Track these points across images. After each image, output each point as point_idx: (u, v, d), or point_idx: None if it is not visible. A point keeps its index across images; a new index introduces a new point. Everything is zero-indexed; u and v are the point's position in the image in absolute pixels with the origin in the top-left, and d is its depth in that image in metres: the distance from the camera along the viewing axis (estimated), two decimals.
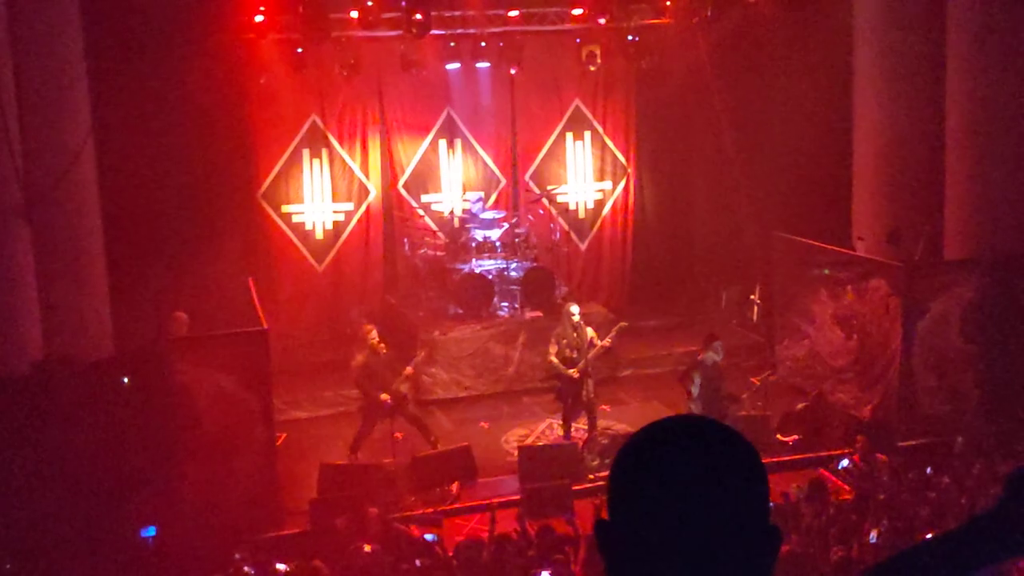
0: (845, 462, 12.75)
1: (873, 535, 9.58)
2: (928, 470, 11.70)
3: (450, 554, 10.79)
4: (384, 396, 13.68)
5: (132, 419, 12.05)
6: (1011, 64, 14.28)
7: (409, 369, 14.19)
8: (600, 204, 19.75)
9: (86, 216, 13.59)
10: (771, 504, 10.36)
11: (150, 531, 11.88)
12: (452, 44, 17.80)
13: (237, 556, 10.59)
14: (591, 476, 13.45)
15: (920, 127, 15.61)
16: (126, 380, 12.58)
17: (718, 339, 13.91)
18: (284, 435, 14.21)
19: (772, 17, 16.89)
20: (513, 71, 18.34)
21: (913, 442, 13.35)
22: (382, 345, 13.93)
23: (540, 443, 14.60)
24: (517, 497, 12.85)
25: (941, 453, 12.68)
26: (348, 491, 12.43)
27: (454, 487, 13.31)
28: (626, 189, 19.81)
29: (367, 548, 10.64)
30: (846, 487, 12.46)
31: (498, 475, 13.75)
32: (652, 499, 1.84)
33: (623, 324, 14.72)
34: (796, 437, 14.18)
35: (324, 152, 18.19)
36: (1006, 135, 14.44)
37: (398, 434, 14.06)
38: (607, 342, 14.13)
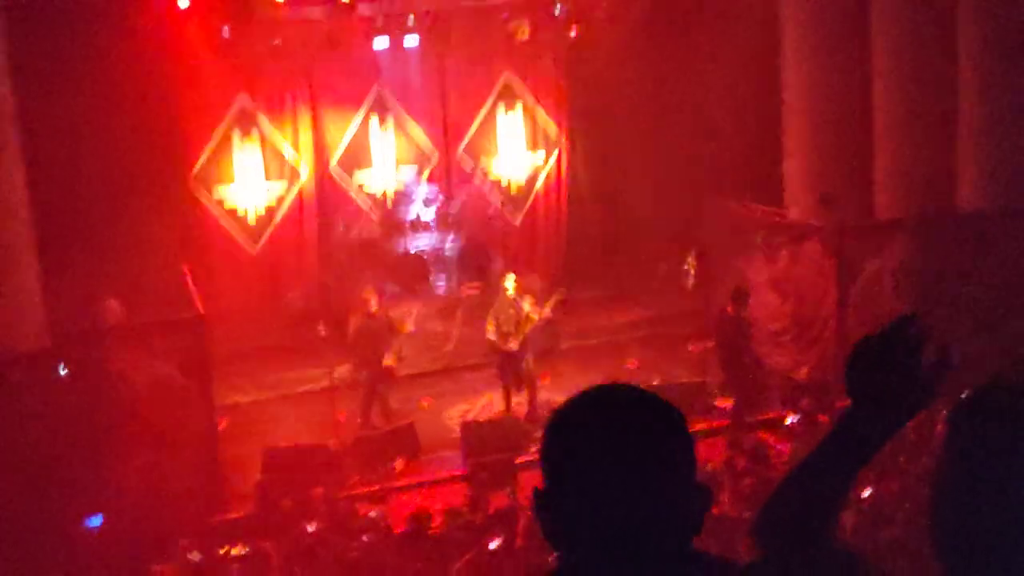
0: (790, 420, 12.84)
1: None
2: None
3: (397, 530, 10.81)
4: (387, 360, 13.60)
5: (70, 408, 11.90)
6: (933, 18, 14.46)
7: (409, 326, 14.17)
8: (533, 176, 19.75)
9: (13, 205, 13.33)
10: (712, 469, 10.51)
11: (96, 520, 11.79)
12: (379, 21, 17.68)
13: (182, 543, 10.54)
14: (533, 449, 13.52)
15: (848, 86, 15.76)
16: (63, 370, 12.42)
17: (745, 292, 14.02)
18: (226, 420, 14.10)
19: None
20: (441, 46, 18.26)
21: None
22: (379, 311, 13.96)
23: (482, 418, 14.64)
24: (461, 472, 12.90)
25: None
26: (293, 473, 12.39)
27: (398, 464, 13.32)
28: (559, 160, 19.83)
29: (313, 528, 10.62)
30: (785, 451, 12.61)
31: (442, 451, 13.77)
32: (581, 465, 1.91)
33: (560, 295, 14.79)
34: (732, 402, 14.32)
35: (254, 132, 18.01)
36: (930, 92, 14.63)
37: (340, 414, 14.02)
38: (544, 312, 14.18)
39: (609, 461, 1.91)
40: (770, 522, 2.22)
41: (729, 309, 13.98)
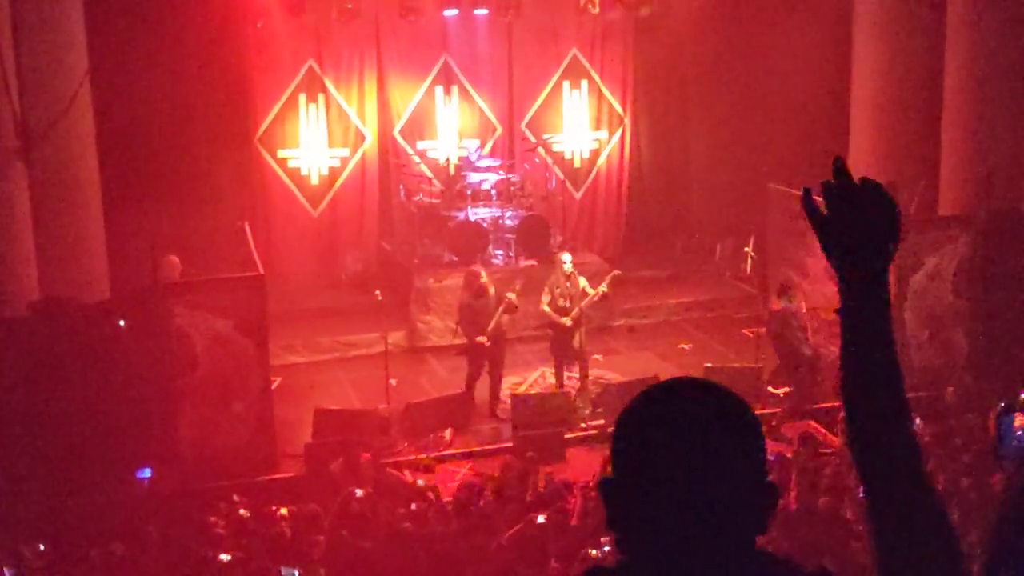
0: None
1: (861, 491, 9.68)
2: (917, 421, 11.78)
3: (443, 500, 10.91)
4: (480, 339, 13.71)
5: (128, 362, 12.12)
6: (1012, 13, 14.26)
7: (512, 297, 14.14)
8: (596, 154, 19.72)
9: (82, 159, 13.59)
10: (771, 458, 10.52)
11: (146, 473, 12.00)
12: None
13: (235, 498, 10.71)
14: (583, 424, 13.58)
15: (919, 80, 15.61)
16: (122, 323, 12.63)
17: (790, 287, 13.95)
18: (279, 379, 14.27)
19: None
20: (511, 17, 18.25)
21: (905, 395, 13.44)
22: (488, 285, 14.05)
23: (533, 391, 14.69)
24: (510, 445, 12.98)
25: (931, 405, 12.77)
26: (342, 436, 12.52)
27: (447, 433, 13.42)
28: (622, 139, 19.78)
29: (360, 492, 10.74)
30: (835, 439, 12.57)
31: (491, 422, 13.86)
32: (654, 458, 1.93)
33: (617, 272, 14.80)
34: (787, 389, 14.27)
35: (320, 97, 18.12)
36: (1004, 90, 14.47)
37: (392, 380, 14.13)
38: (601, 290, 14.18)
39: (680, 456, 1.93)
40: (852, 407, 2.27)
41: (775, 305, 13.94)
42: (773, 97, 18.21)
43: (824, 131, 17.07)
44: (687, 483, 1.91)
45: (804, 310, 14.19)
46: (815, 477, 10.43)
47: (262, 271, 13.07)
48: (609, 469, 2.03)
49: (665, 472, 1.92)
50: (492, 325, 13.81)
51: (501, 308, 13.92)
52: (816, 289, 15.14)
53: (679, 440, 1.93)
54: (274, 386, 13.54)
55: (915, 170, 15.46)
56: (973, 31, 14.52)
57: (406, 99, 18.63)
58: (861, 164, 16.07)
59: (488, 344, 13.76)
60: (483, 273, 14.14)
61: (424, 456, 12.87)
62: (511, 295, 14.00)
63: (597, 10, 18.25)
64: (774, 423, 13.14)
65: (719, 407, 1.98)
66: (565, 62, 19.27)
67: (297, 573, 8.98)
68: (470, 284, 14.04)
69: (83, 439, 11.75)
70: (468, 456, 13.15)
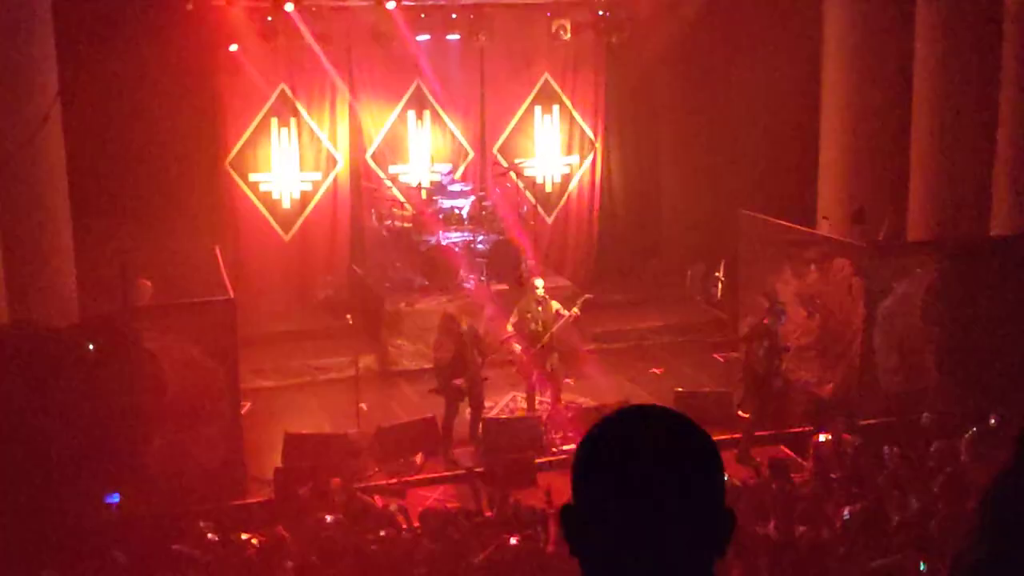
0: (823, 437, 12.74)
1: (846, 512, 9.72)
2: (886, 449, 11.84)
3: (414, 524, 10.88)
4: (457, 381, 13.61)
5: (97, 386, 12.02)
6: (976, 44, 14.44)
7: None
8: (567, 178, 19.81)
9: (53, 181, 13.54)
10: (738, 484, 10.52)
11: (114, 497, 11.90)
12: (422, 15, 17.77)
13: (202, 524, 10.63)
14: (554, 449, 13.57)
15: (887, 106, 15.77)
16: (91, 346, 12.54)
17: (780, 305, 14.01)
18: (249, 404, 14.21)
19: None
20: (483, 42, 18.31)
21: (873, 421, 13.50)
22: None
23: (504, 416, 14.68)
24: (481, 469, 12.95)
25: (901, 431, 12.83)
26: (312, 461, 12.47)
27: (418, 458, 13.38)
28: (593, 164, 19.87)
29: (330, 518, 10.70)
30: (806, 465, 12.61)
31: (462, 446, 13.82)
32: (613, 486, 1.96)
33: (588, 296, 14.83)
34: (751, 413, 14.28)
35: (292, 121, 18.14)
36: (971, 117, 14.63)
37: (363, 404, 14.09)
38: (573, 312, 14.19)
39: (638, 483, 1.95)
40: None
41: (765, 320, 13.97)
42: (743, 123, 18.35)
43: (794, 157, 17.21)
44: (645, 510, 1.94)
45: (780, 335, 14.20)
46: (791, 504, 10.44)
47: (232, 295, 13.02)
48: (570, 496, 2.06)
49: (623, 499, 1.95)
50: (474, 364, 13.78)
51: (481, 359, 13.90)
52: (785, 314, 15.20)
53: (637, 467, 1.96)
54: (244, 410, 13.48)
55: (884, 196, 15.60)
56: (940, 60, 14.70)
57: (378, 123, 18.66)
58: (830, 190, 16.24)
59: (465, 387, 13.69)
60: (462, 320, 14.08)
61: (395, 480, 12.82)
62: (510, 328, 14.05)
63: (569, 36, 18.36)
64: (743, 448, 13.17)
65: (677, 434, 2.01)
66: (537, 87, 19.36)
67: None
68: (445, 327, 13.96)
69: (51, 463, 11.63)
70: (439, 481, 13.10)
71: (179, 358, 12.24)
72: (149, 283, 13.61)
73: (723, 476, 2.02)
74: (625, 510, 1.95)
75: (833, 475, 11.52)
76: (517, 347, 14.20)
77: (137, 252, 14.60)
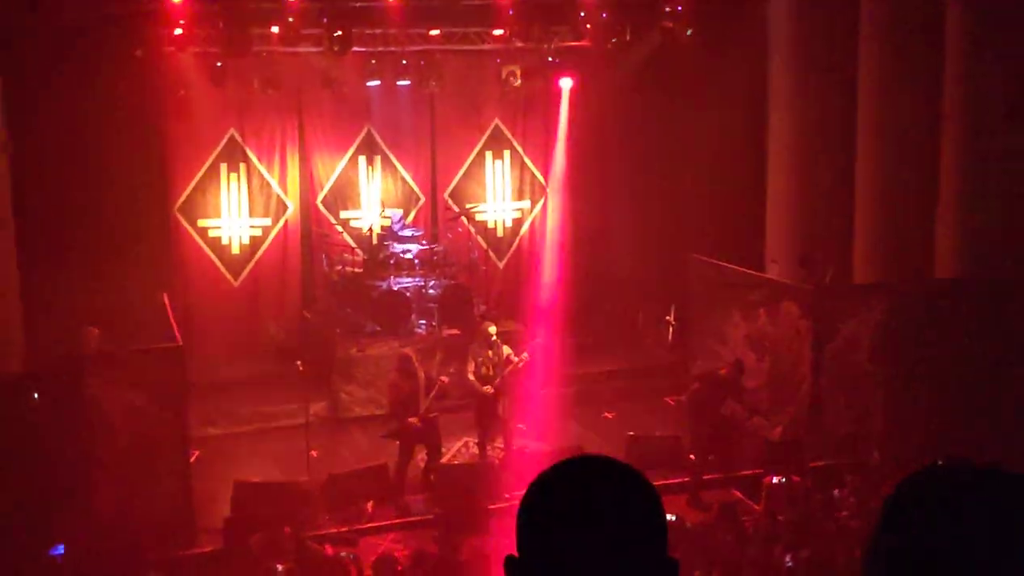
0: (773, 481, 12.79)
1: (788, 559, 9.76)
2: (836, 492, 11.92)
3: (366, 573, 10.79)
4: (412, 420, 13.54)
5: (43, 436, 11.87)
6: (919, 92, 14.72)
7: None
8: (518, 223, 19.89)
9: None
10: (688, 527, 10.53)
11: (58, 549, 11.71)
12: (373, 61, 17.83)
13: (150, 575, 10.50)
14: (506, 495, 13.52)
15: (832, 154, 16.02)
16: (36, 396, 12.39)
17: (743, 365, 14.10)
18: (198, 452, 14.07)
19: (690, 41, 17.20)
20: (433, 88, 18.39)
21: (822, 463, 13.60)
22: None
23: (456, 462, 14.63)
24: (433, 516, 12.88)
25: (850, 473, 12.92)
26: (262, 509, 12.35)
27: (369, 506, 13.29)
28: (544, 208, 19.97)
29: (281, 567, 10.60)
30: (757, 508, 12.65)
31: (414, 494, 13.75)
32: (556, 537, 1.97)
33: (539, 341, 14.86)
34: (710, 456, 14.34)
35: (242, 167, 18.08)
36: (913, 163, 14.88)
37: (314, 451, 14.00)
38: (523, 359, 14.21)
39: (586, 533, 1.96)
40: None
41: (723, 371, 14.05)
42: (692, 167, 18.54)
43: (742, 201, 17.40)
44: (588, 560, 1.95)
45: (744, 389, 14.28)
46: (740, 549, 10.47)
47: (180, 342, 12.92)
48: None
49: (565, 550, 1.96)
50: (424, 407, 13.72)
51: (433, 392, 13.86)
52: (735, 358, 15.31)
53: (579, 518, 1.97)
54: (193, 459, 13.35)
55: (830, 240, 15.80)
56: (882, 107, 14.95)
57: (329, 169, 18.66)
58: (777, 234, 16.42)
59: (419, 426, 13.64)
60: (414, 357, 14.09)
61: (346, 529, 12.72)
62: (444, 378, 14.02)
63: (519, 82, 18.48)
64: (695, 491, 13.21)
65: (619, 484, 2.02)
66: (487, 132, 19.46)
67: None
68: (402, 368, 13.94)
69: None
70: (391, 528, 13.02)
71: (127, 406, 12.11)
72: (96, 330, 13.46)
73: (665, 525, 2.04)
74: (567, 561, 1.96)
75: (780, 517, 11.55)
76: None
77: (85, 299, 14.51)
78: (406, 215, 18.73)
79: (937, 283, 14.75)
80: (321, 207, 18.71)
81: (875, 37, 15.04)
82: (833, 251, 15.50)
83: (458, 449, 15.18)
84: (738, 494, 13.39)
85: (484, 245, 19.34)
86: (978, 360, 13.78)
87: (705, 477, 13.62)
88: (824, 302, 14.28)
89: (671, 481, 13.10)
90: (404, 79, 18.17)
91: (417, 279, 17.47)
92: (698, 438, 13.92)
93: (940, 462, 1.97)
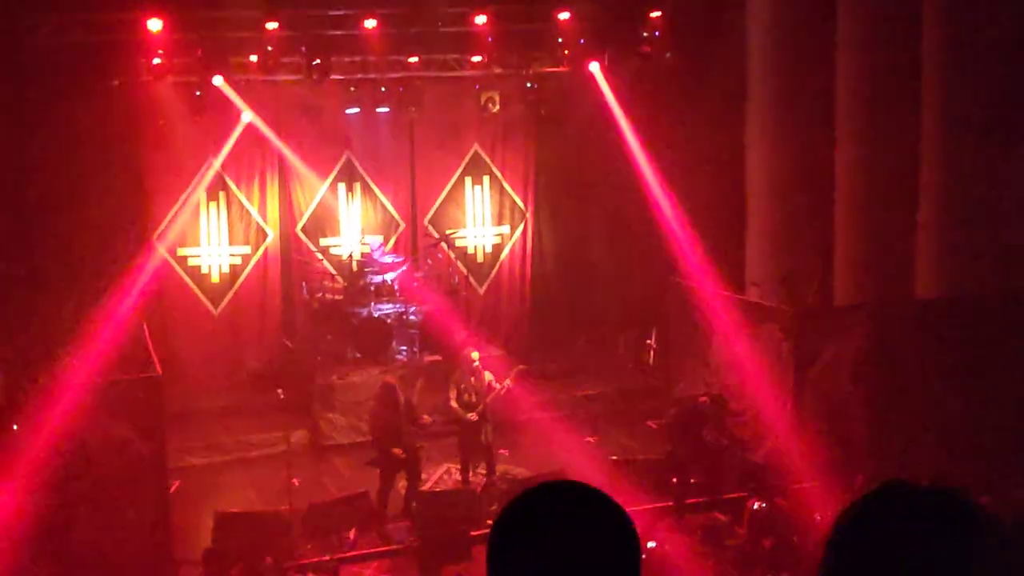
0: (756, 505, 12.75)
1: None
2: (817, 516, 11.88)
3: None
4: (396, 450, 13.51)
5: (22, 467, 11.74)
6: (897, 111, 14.77)
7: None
8: (499, 248, 19.88)
9: None
10: (667, 551, 10.47)
11: None
12: (352, 89, 17.85)
13: None
14: (489, 522, 13.43)
15: (812, 175, 16.05)
16: (15, 427, 12.27)
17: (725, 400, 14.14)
18: (178, 482, 13.95)
19: (668, 66, 17.26)
20: (413, 115, 18.40)
21: (805, 485, 13.55)
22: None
23: (438, 488, 14.54)
24: (415, 543, 12.79)
25: (833, 495, 12.88)
26: (243, 539, 12.24)
27: (351, 534, 13.20)
28: (524, 233, 19.98)
29: None
30: (740, 531, 12.60)
31: (396, 521, 13.66)
32: (525, 565, 1.93)
33: (521, 367, 14.81)
34: (692, 480, 14.30)
35: (221, 195, 18.06)
36: (893, 184, 14.92)
37: (295, 480, 13.90)
38: (505, 385, 14.17)
39: (558, 559, 1.94)
40: None
41: (703, 399, 14.03)
42: (672, 190, 18.55)
43: (722, 224, 17.39)
44: None
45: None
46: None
47: (160, 371, 12.84)
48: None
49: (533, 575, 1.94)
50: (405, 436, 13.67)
51: (419, 425, 13.82)
52: (717, 380, 15.32)
53: (550, 543, 1.95)
54: (172, 489, 13.23)
55: (810, 261, 15.82)
56: (862, 129, 15.02)
57: (308, 196, 18.63)
58: (758, 255, 16.43)
59: (403, 456, 13.57)
60: (395, 386, 14.04)
61: (328, 558, 12.62)
62: (427, 417, 13.98)
63: (498, 108, 18.51)
64: (678, 515, 13.16)
65: (589, 510, 2.00)
66: (467, 158, 19.48)
67: None
68: (383, 396, 13.88)
69: None
70: (373, 557, 12.93)
71: (105, 437, 12.00)
72: (73, 361, 13.34)
73: (638, 548, 2.02)
74: None
75: (766, 542, 11.51)
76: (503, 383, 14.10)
77: (63, 329, 14.40)
78: (386, 241, 18.71)
79: (919, 303, 14.76)
80: (301, 235, 18.67)
81: (853, 58, 15.11)
82: (814, 272, 15.50)
83: (440, 476, 15.10)
84: (721, 517, 13.33)
85: (464, 271, 19.31)
86: (961, 379, 13.78)
87: (688, 501, 13.56)
88: (805, 323, 14.28)
89: (655, 505, 13.05)
90: (383, 106, 18.20)
91: (398, 306, 17.43)
92: (679, 461, 13.88)
93: (885, 485, 1.98)
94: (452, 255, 19.06)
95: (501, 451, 15.08)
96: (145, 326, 14.66)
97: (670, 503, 13.38)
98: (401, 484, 13.80)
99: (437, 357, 16.92)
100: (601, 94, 18.46)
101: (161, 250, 17.78)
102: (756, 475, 13.73)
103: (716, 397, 14.19)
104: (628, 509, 2.05)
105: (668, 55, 17.18)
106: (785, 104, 16.27)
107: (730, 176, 17.18)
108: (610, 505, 2.02)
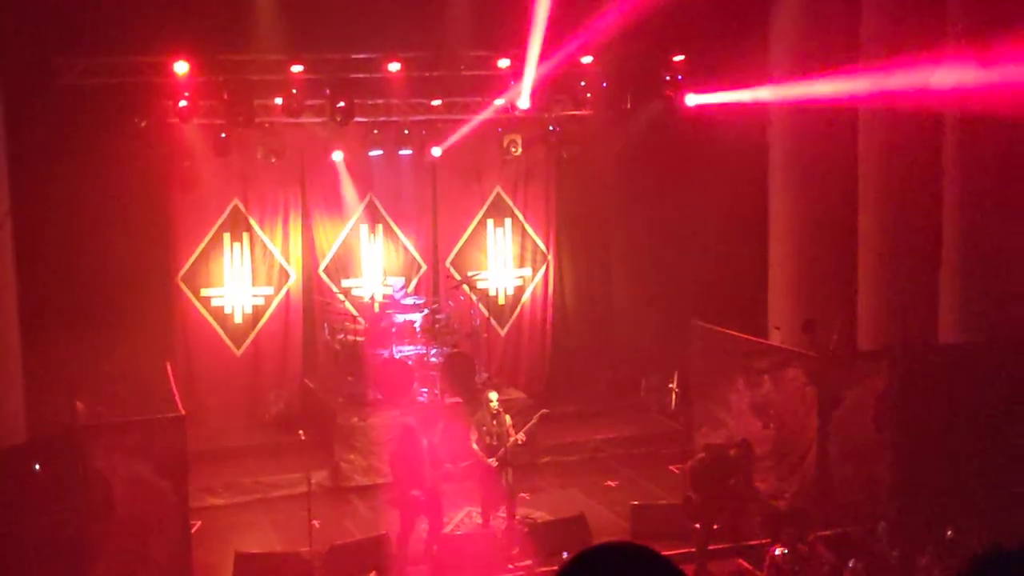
0: (778, 551, 12.63)
1: None
2: (851, 563, 11.76)
3: None
4: (415, 492, 13.44)
5: (44, 507, 11.77)
6: (919, 157, 14.79)
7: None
8: (520, 290, 19.90)
9: (1, 297, 13.40)
10: None
11: None
12: (375, 131, 17.97)
13: None
14: (510, 566, 13.38)
15: (834, 220, 16.04)
16: (37, 467, 12.31)
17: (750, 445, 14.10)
18: (199, 523, 13.95)
19: (690, 108, 17.32)
20: (436, 154, 18.49)
21: (829, 532, 13.46)
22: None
23: (458, 531, 14.49)
24: None
25: (857, 541, 12.79)
26: None
27: None
28: (546, 276, 19.99)
29: None
30: None
31: (416, 564, 13.60)
32: None
33: (544, 411, 14.80)
34: (716, 526, 14.20)
35: (245, 236, 18.16)
36: (916, 227, 14.92)
37: (315, 521, 13.87)
38: (521, 437, 14.12)
39: None
40: None
41: (733, 451, 13.97)
42: (694, 234, 18.58)
43: (744, 268, 17.41)
44: None
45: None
46: None
47: (183, 411, 12.87)
48: None
49: None
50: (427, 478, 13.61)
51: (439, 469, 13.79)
52: (740, 424, 15.25)
53: None
54: (194, 529, 13.22)
55: (833, 305, 15.77)
56: (884, 174, 15.03)
57: (331, 237, 18.72)
58: (780, 301, 16.40)
59: (422, 498, 13.52)
60: (417, 428, 14.00)
61: None
62: (448, 465, 13.94)
63: (520, 151, 18.59)
64: (699, 561, 13.05)
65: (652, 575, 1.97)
66: (489, 200, 19.55)
67: None
68: (405, 439, 13.84)
69: None
70: None
71: (128, 476, 12.02)
72: (82, 405, 13.40)
73: None
74: None
75: None
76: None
77: (87, 369, 14.48)
78: (408, 283, 18.76)
79: (942, 348, 14.70)
80: (323, 276, 18.75)
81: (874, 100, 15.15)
82: (837, 317, 15.45)
83: (461, 519, 15.05)
84: (744, 564, 13.24)
85: (486, 313, 19.32)
86: (985, 424, 13.70)
87: (711, 547, 13.46)
88: (829, 368, 14.22)
89: (676, 552, 12.94)
90: (406, 148, 18.30)
91: (419, 347, 17.44)
92: (702, 507, 13.78)
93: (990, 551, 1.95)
94: (474, 297, 19.09)
95: (522, 495, 15.02)
96: (168, 366, 14.70)
97: (692, 549, 13.27)
98: (423, 527, 13.75)
99: (458, 399, 16.90)
100: (623, 138, 18.55)
101: (185, 290, 17.87)
102: (779, 521, 13.63)
103: (744, 446, 14.11)
104: None
105: (689, 98, 17.25)
106: (807, 152, 16.27)
107: (752, 219, 17.19)
108: (674, 571, 2.00)
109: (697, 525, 13.69)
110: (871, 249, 15.27)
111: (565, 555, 12.00)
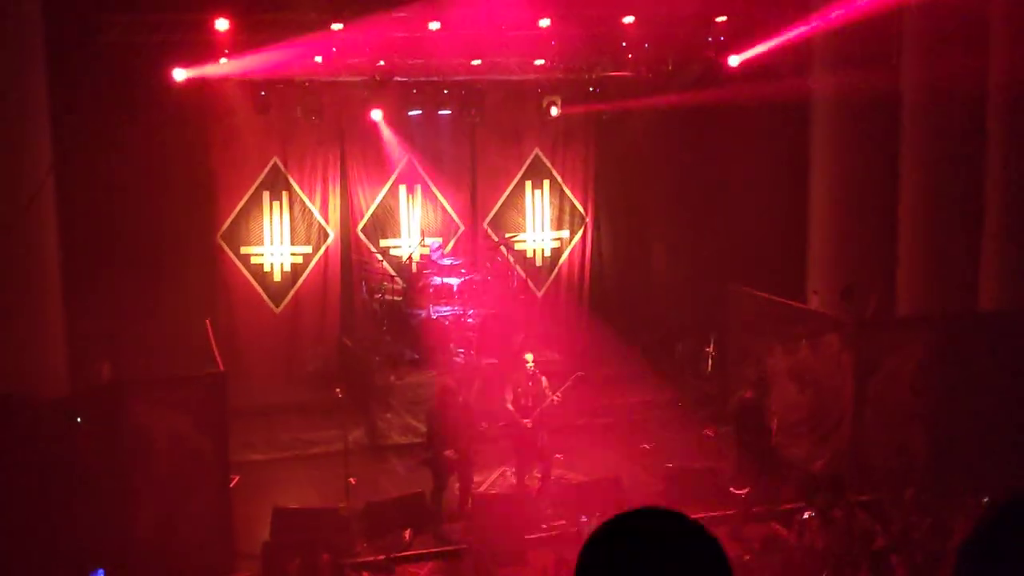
0: (807, 515, 12.65)
1: None
2: (877, 527, 11.78)
3: None
4: (449, 452, 13.55)
5: (85, 460, 11.94)
6: (962, 124, 14.63)
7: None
8: (557, 252, 19.90)
9: (44, 253, 13.54)
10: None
11: (99, 573, 11.75)
12: (414, 91, 17.94)
13: None
14: (544, 526, 13.46)
15: (875, 185, 15.91)
16: (79, 419, 12.46)
17: (767, 381, 14.02)
18: (238, 477, 14.10)
19: (732, 70, 17.18)
20: (474, 118, 18.45)
21: (864, 497, 13.44)
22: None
23: (494, 491, 14.58)
24: (469, 545, 12.84)
25: (890, 507, 12.78)
26: (301, 536, 12.36)
27: (407, 534, 13.27)
28: (583, 238, 19.98)
29: None
30: (794, 542, 12.50)
31: (451, 522, 13.71)
32: None
33: (580, 374, 14.80)
34: (748, 490, 14.22)
35: (284, 195, 18.24)
36: (956, 196, 14.79)
37: (352, 478, 14.00)
38: (558, 396, 14.13)
39: None
40: None
41: (748, 394, 13.90)
42: (733, 197, 18.48)
43: (783, 231, 17.30)
44: None
45: (772, 408, 14.19)
46: None
47: (223, 368, 12.99)
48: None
49: None
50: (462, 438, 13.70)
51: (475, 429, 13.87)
52: (776, 390, 15.21)
53: (640, 571, 1.92)
54: (233, 484, 13.38)
55: (872, 271, 15.68)
56: (926, 139, 14.87)
57: (369, 197, 18.77)
58: (819, 266, 16.32)
59: (455, 458, 13.62)
60: (454, 388, 14.07)
61: (383, 557, 12.70)
62: (484, 424, 14.01)
63: (559, 112, 18.53)
64: (736, 524, 13.08)
65: (682, 541, 1.97)
66: (527, 162, 19.52)
67: None
68: (442, 398, 13.93)
69: (37, 539, 11.52)
70: (428, 557, 12.99)
71: (169, 431, 12.17)
72: (108, 366, 13.54)
73: None
74: None
75: (820, 548, 11.41)
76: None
77: (129, 325, 14.62)
78: (445, 244, 18.80)
79: (981, 315, 14.60)
80: (361, 235, 18.82)
81: (918, 66, 14.98)
82: (876, 283, 15.36)
83: (496, 478, 15.13)
84: (779, 528, 13.25)
85: (523, 274, 19.34)
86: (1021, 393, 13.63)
87: (751, 511, 13.47)
88: (866, 335, 14.16)
89: (711, 514, 12.95)
90: (445, 109, 18.27)
91: (456, 308, 17.49)
92: (741, 470, 13.78)
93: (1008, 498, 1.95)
94: (511, 258, 19.10)
95: (556, 455, 15.06)
96: (209, 323, 14.83)
97: (727, 512, 13.28)
98: (456, 486, 13.85)
99: (494, 360, 16.94)
100: (663, 98, 18.44)
101: (225, 248, 18.00)
102: (814, 485, 13.62)
103: (758, 380, 14.04)
104: None
105: (732, 60, 17.09)
106: (851, 115, 16.11)
107: (792, 183, 17.08)
108: (706, 538, 2.00)
109: (733, 490, 13.73)
110: (912, 215, 15.14)
111: (584, 519, 12.09)
